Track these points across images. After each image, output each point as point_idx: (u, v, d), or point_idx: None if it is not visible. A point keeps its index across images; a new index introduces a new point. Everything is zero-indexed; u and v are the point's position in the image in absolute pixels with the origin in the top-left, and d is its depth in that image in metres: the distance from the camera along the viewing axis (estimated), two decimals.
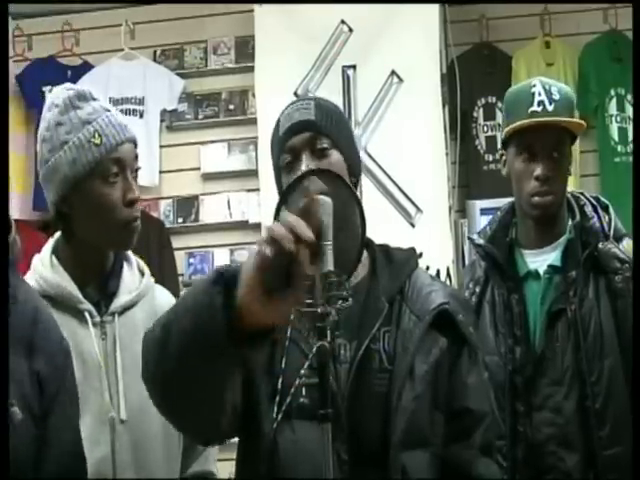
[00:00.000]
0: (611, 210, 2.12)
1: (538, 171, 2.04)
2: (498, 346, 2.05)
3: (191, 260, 4.43)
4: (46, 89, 4.42)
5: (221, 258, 4.41)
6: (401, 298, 1.59)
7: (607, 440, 1.98)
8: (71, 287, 1.72)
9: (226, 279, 1.25)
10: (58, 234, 1.81)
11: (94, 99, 1.76)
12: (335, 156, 1.58)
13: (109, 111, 1.75)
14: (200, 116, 4.52)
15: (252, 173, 4.30)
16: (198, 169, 4.49)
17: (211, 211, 4.46)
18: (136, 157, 1.77)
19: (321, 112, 1.60)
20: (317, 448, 1.21)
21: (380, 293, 1.58)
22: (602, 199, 2.16)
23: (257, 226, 4.22)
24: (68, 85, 1.81)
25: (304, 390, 1.43)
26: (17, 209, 4.28)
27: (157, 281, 1.94)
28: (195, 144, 4.50)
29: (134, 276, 1.84)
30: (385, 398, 1.49)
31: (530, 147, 2.06)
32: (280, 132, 1.60)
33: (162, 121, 4.54)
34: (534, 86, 2.07)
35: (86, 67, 4.54)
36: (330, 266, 1.27)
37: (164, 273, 4.23)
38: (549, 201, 2.06)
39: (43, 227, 4.38)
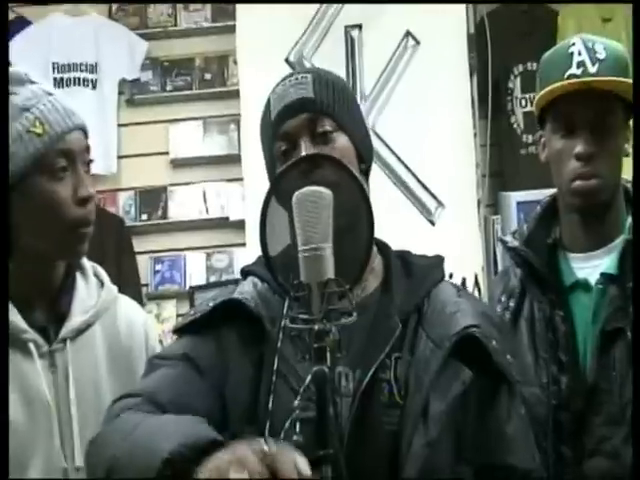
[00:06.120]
0: None
1: (579, 148, 2.02)
2: (539, 375, 2.03)
3: (158, 267, 4.45)
4: None
5: (195, 264, 4.42)
6: (418, 318, 1.59)
7: None
8: (11, 312, 1.73)
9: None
10: None
11: (32, 82, 1.76)
12: (341, 140, 1.59)
13: (52, 95, 1.76)
14: (168, 88, 4.57)
15: (234, 159, 4.32)
16: (166, 154, 4.53)
17: (182, 206, 4.50)
18: (88, 148, 1.78)
19: (321, 87, 1.61)
20: None
21: (393, 310, 1.58)
22: None
23: (240, 224, 4.21)
24: None
25: (297, 427, 1.41)
26: None
27: None
28: (163, 122, 4.56)
29: (90, 290, 1.86)
30: (395, 439, 1.49)
31: (568, 119, 2.04)
32: (272, 115, 1.61)
33: (121, 93, 4.57)
34: (573, 45, 2.06)
35: (21, 23, 4.54)
36: (330, 273, 1.27)
37: (123, 283, 4.20)
38: (594, 185, 2.01)
39: None
